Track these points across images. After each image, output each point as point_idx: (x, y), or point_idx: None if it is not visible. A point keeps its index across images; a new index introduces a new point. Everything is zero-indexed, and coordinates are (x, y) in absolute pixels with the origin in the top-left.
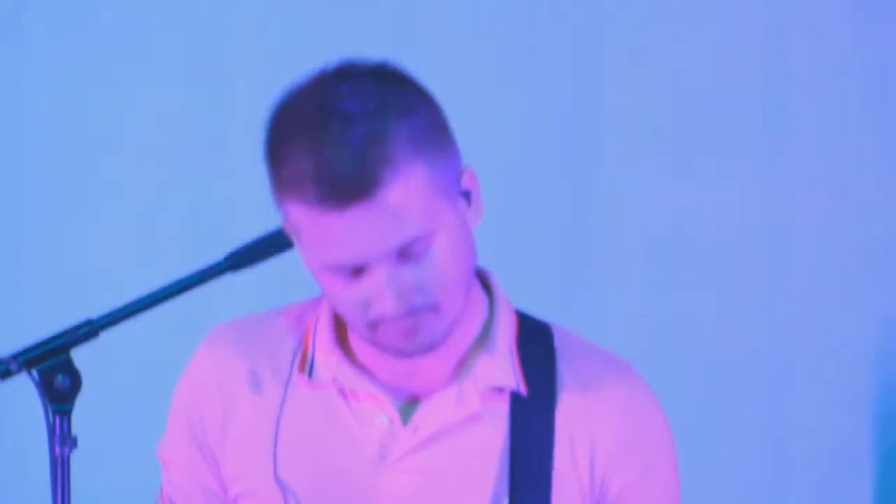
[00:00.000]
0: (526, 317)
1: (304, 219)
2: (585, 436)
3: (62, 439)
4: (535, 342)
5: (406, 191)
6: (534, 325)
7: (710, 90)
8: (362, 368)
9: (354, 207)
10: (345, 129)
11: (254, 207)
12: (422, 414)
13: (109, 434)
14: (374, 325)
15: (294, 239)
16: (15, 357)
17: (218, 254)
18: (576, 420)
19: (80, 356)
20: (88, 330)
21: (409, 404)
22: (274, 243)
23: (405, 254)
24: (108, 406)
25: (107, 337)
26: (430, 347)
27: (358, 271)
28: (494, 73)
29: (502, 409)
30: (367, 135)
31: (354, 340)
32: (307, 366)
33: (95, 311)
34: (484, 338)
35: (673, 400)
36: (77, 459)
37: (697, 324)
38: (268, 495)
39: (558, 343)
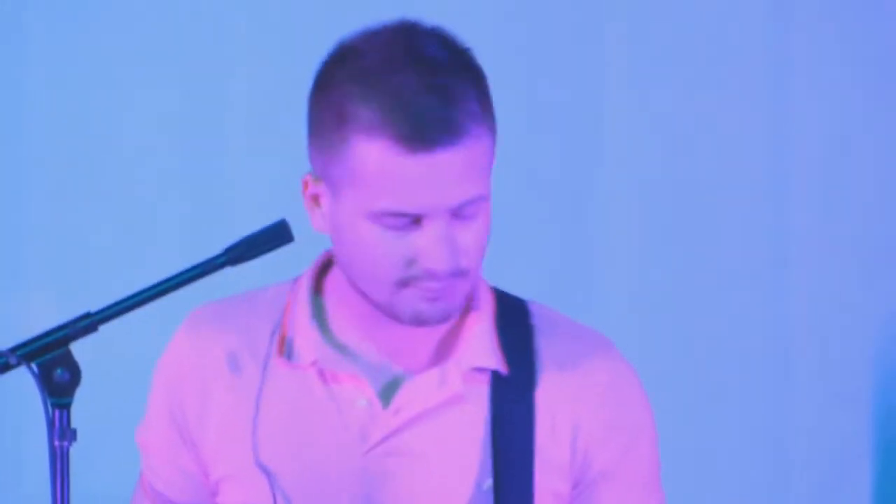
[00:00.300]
0: (502, 294)
1: (376, 159)
2: (568, 415)
3: (61, 432)
4: (513, 320)
5: (478, 148)
6: (510, 302)
7: (710, 90)
8: (342, 349)
9: (438, 150)
10: (429, 76)
11: (254, 207)
12: (403, 395)
13: (108, 428)
14: (404, 284)
15: (335, 189)
16: (14, 350)
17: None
18: (557, 399)
19: (80, 350)
20: (88, 323)
21: (391, 384)
22: (273, 237)
23: (459, 213)
24: (107, 400)
25: (105, 330)
26: (446, 316)
27: (413, 223)
28: (494, 72)
29: (483, 389)
30: (450, 88)
31: (335, 319)
32: (286, 347)
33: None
34: (465, 318)
35: (672, 399)
36: (75, 453)
37: (696, 323)
38: (249, 479)
39: (536, 320)
